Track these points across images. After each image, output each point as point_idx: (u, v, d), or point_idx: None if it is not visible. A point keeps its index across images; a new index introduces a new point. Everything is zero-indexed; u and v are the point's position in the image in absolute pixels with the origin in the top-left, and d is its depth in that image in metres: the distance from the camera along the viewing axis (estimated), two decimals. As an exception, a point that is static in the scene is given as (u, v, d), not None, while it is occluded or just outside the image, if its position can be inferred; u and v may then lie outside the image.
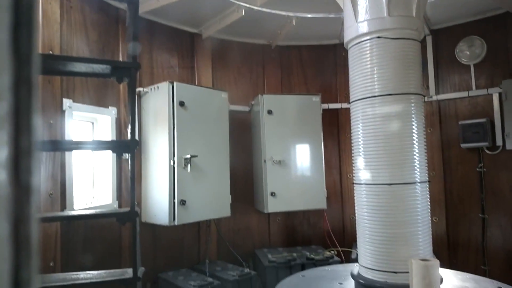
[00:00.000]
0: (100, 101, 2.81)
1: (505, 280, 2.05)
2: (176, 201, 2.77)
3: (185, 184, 2.84)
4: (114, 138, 2.86)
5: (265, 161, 3.34)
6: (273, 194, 3.30)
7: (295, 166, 3.41)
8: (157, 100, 2.95)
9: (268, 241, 3.72)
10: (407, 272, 1.71)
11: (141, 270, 2.16)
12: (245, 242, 3.64)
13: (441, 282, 1.70)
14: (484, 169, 3.40)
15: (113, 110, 2.89)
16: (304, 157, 3.45)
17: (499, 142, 3.25)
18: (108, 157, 2.89)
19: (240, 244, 3.60)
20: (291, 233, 3.78)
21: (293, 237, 3.77)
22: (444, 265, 1.73)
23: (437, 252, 1.90)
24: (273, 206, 3.31)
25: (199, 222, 3.34)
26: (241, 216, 3.64)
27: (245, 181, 3.71)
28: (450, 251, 3.58)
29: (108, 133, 2.88)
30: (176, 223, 2.75)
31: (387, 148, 1.84)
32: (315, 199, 3.41)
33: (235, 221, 3.60)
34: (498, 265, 3.29)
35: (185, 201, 2.79)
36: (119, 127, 2.96)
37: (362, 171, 1.93)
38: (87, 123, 2.92)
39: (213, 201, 3.02)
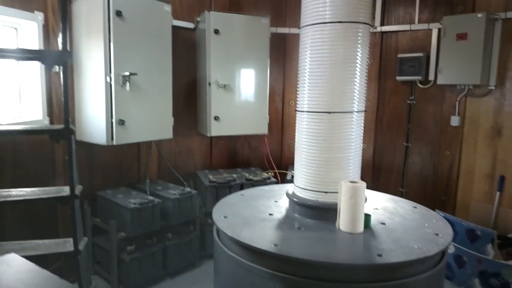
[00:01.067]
0: (24, 4, 2.46)
1: (418, 201, 2.34)
2: (114, 120, 2.65)
3: (124, 103, 2.71)
4: (42, 48, 2.58)
5: (210, 84, 3.27)
6: (216, 118, 3.30)
7: (240, 91, 3.38)
8: (90, 7, 2.65)
9: (210, 163, 3.80)
10: (337, 192, 1.87)
11: (78, 188, 2.12)
12: (186, 163, 3.69)
13: (365, 201, 1.89)
14: (414, 102, 3.65)
15: (39, 16, 2.56)
16: (249, 82, 3.42)
17: (431, 76, 3.46)
18: (35, 69, 2.63)
19: (181, 166, 3.65)
20: (232, 156, 3.89)
21: (234, 160, 3.89)
22: (368, 187, 1.91)
23: (362, 175, 2.09)
24: (216, 130, 3.32)
25: (139, 143, 3.28)
26: (183, 139, 3.64)
27: (188, 104, 3.64)
28: (374, 175, 3.96)
29: (34, 42, 2.58)
30: (114, 143, 2.68)
31: (331, 76, 1.88)
32: (257, 124, 3.48)
33: (177, 143, 3.59)
34: (414, 188, 3.73)
35: (124, 121, 2.69)
36: (47, 36, 2.65)
37: (305, 99, 1.97)
38: (9, 29, 2.57)
39: (154, 122, 2.95)
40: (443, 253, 1.77)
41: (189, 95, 3.64)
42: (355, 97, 1.93)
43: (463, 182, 3.38)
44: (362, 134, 2.02)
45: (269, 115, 3.57)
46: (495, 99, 3.13)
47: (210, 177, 3.31)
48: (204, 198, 3.25)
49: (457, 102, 3.34)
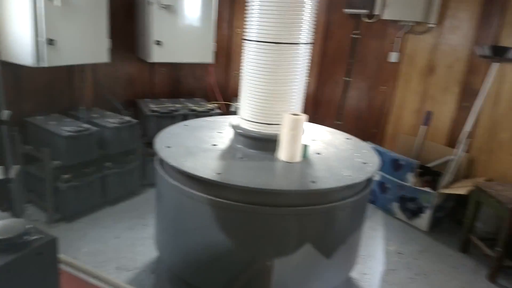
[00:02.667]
0: None
1: (352, 133, 2.50)
2: (43, 39, 2.40)
3: (54, 20, 2.43)
4: None
5: (150, 3, 3.01)
6: (158, 42, 3.11)
7: (184, 13, 3.17)
8: None
9: (151, 91, 3.66)
10: (279, 124, 1.93)
11: (5, 112, 1.96)
12: (125, 91, 3.52)
13: (304, 132, 1.97)
14: (358, 36, 3.70)
15: None
16: (195, 4, 3.20)
17: (377, 11, 3.48)
18: None
19: (120, 93, 3.47)
20: (176, 85, 3.76)
21: (177, 89, 3.77)
22: (308, 119, 1.98)
23: (304, 108, 2.15)
24: (158, 55, 3.15)
25: (72, 66, 3.03)
26: (122, 64, 3.42)
27: (128, 25, 3.36)
28: (314, 108, 4.10)
29: None
30: (45, 65, 2.45)
31: (282, 6, 1.82)
32: (202, 52, 3.35)
33: (115, 68, 3.38)
34: (349, 121, 3.94)
35: (54, 41, 2.44)
36: None
37: (254, 27, 1.91)
38: None
39: (88, 44, 2.71)
40: (369, 180, 1.95)
41: (129, 15, 3.35)
42: (303, 29, 1.91)
43: (394, 116, 3.63)
44: (306, 67, 2.04)
45: (215, 43, 3.44)
46: (433, 37, 3.27)
47: (152, 106, 3.22)
48: (145, 128, 3.18)
49: (397, 39, 3.44)
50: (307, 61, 2.03)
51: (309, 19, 1.92)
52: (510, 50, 2.66)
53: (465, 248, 2.68)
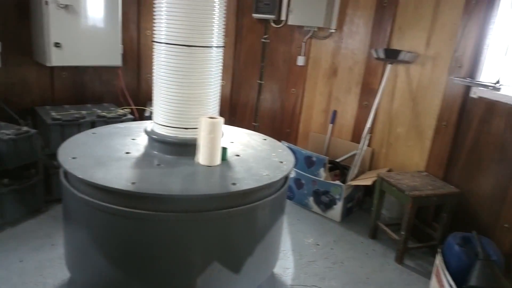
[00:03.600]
0: None
1: (268, 133, 2.57)
2: None
3: None
4: None
5: (47, 2, 2.74)
6: (57, 45, 2.84)
7: (86, 14, 2.95)
8: None
9: (52, 97, 3.32)
10: (196, 128, 1.90)
11: None
12: (21, 98, 3.15)
13: (222, 135, 1.98)
14: (268, 41, 3.84)
15: None
16: (97, 4, 2.99)
17: (283, 16, 3.65)
18: None
19: (15, 101, 3.10)
20: (80, 90, 3.47)
21: (82, 95, 3.48)
22: (225, 122, 1.99)
23: (221, 111, 2.16)
24: (57, 59, 2.88)
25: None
26: (16, 68, 3.06)
27: (20, 27, 3.02)
28: (231, 111, 4.15)
29: None
30: None
31: (191, 8, 1.79)
32: (109, 54, 3.15)
33: (8, 74, 3.01)
34: (264, 122, 4.06)
35: None
36: None
37: (163, 30, 1.85)
38: None
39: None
40: (286, 178, 2.03)
41: (23, 16, 3.01)
42: (214, 32, 1.91)
43: (304, 116, 3.84)
44: (220, 70, 2.05)
45: (123, 45, 3.26)
46: (334, 42, 3.53)
47: (53, 113, 2.93)
48: (47, 138, 2.88)
49: (303, 43, 3.64)
50: (220, 64, 2.04)
51: (219, 22, 1.92)
52: (401, 52, 2.99)
53: (374, 234, 2.94)
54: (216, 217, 1.69)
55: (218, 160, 1.92)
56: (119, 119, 3.04)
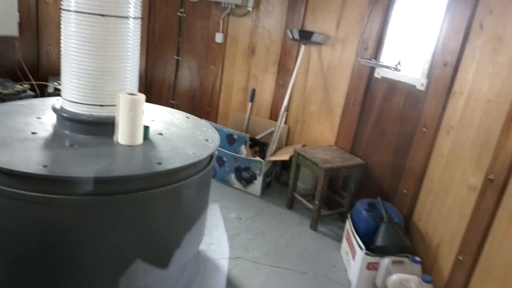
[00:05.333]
0: None
1: (187, 112, 2.52)
2: None
3: None
4: None
5: None
6: None
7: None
8: None
9: None
10: (114, 106, 1.78)
11: None
12: None
13: (144, 113, 1.88)
14: (184, 15, 3.70)
15: None
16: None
17: (201, -9, 3.54)
18: None
19: None
20: (-37, 62, 2.97)
21: (-34, 67, 2.99)
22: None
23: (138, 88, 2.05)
24: None
25: None
26: None
27: None
28: (147, 87, 3.95)
29: None
30: None
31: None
32: (3, 23, 2.73)
33: None
34: (183, 100, 3.96)
35: None
36: None
37: (72, -5, 1.66)
38: None
39: None
40: (211, 156, 2.03)
41: None
42: (130, 1, 1.78)
43: (224, 94, 3.84)
44: (139, 43, 1.93)
45: (19, 13, 2.85)
46: (251, 20, 3.55)
47: None
48: None
49: (221, 20, 3.60)
50: (138, 37, 1.92)
51: (136, -10, 1.79)
52: (314, 34, 3.14)
53: (291, 205, 3.12)
54: (140, 199, 1.63)
55: (139, 139, 1.83)
56: (17, 96, 2.69)
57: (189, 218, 1.90)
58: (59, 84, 1.90)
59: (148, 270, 1.77)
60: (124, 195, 1.58)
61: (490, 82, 1.88)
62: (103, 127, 1.83)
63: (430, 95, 2.38)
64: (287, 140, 3.56)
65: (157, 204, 1.72)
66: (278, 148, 3.46)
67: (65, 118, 1.83)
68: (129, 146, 1.79)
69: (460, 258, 1.85)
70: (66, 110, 1.84)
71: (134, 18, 1.83)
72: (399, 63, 2.64)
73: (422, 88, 2.45)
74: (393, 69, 2.68)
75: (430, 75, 2.39)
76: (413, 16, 2.64)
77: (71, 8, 1.68)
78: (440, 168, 2.23)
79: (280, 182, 3.54)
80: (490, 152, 1.77)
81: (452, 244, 1.98)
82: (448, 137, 2.19)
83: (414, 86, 2.51)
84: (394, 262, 2.13)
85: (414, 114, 2.52)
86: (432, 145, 2.34)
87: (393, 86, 2.70)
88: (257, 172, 3.18)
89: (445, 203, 2.12)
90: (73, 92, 1.81)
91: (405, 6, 2.69)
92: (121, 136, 1.78)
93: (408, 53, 2.63)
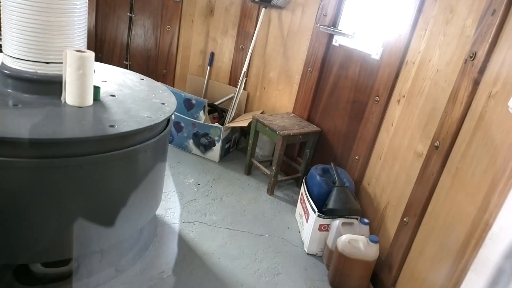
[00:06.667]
0: None
1: (142, 74, 2.42)
2: None
3: None
4: None
5: None
6: None
7: None
8: None
9: None
10: (61, 63, 1.66)
11: None
12: None
13: (94, 73, 1.77)
14: (138, -31, 3.46)
15: None
16: None
17: None
18: None
19: None
20: None
21: None
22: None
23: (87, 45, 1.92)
24: None
25: None
26: None
27: None
28: (97, 46, 3.71)
29: None
30: None
31: None
32: None
33: None
34: (137, 60, 3.77)
35: None
36: None
37: None
38: None
39: None
40: (168, 120, 1.97)
41: None
42: None
43: (181, 57, 3.70)
44: (87, -4, 1.78)
45: None
46: (210, -21, 3.39)
47: None
48: None
49: (178, -23, 3.41)
50: (87, -12, 1.77)
51: None
52: (274, -3, 3.07)
53: (249, 171, 3.16)
54: (92, 163, 1.57)
55: (89, 101, 1.73)
56: None
57: (145, 183, 1.87)
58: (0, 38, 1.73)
59: (102, 234, 1.74)
60: (74, 158, 1.51)
61: (440, 52, 1.96)
62: (49, 86, 1.71)
63: (384, 64, 2.44)
64: (246, 107, 3.54)
65: (110, 168, 1.66)
66: (237, 115, 3.44)
67: (7, 76, 1.68)
68: (78, 107, 1.69)
69: (405, 220, 1.98)
70: (8, 66, 1.69)
71: (81, -33, 1.68)
72: (356, 31, 2.67)
73: (377, 57, 2.50)
74: (350, 37, 2.71)
75: (384, 44, 2.44)
76: (372, -16, 2.65)
77: (8, -49, 1.51)
78: (390, 135, 2.34)
79: (239, 148, 3.56)
80: (436, 120, 1.88)
81: (398, 207, 2.12)
82: (399, 106, 2.28)
83: (370, 55, 2.57)
84: (344, 224, 2.25)
85: (368, 83, 2.59)
86: (383, 113, 2.44)
87: (349, 54, 2.74)
88: (216, 138, 3.16)
89: (393, 169, 2.24)
90: (15, 48, 1.66)
91: (365, -27, 2.69)
92: (69, 96, 1.68)
93: (365, 21, 2.66)
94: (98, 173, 1.62)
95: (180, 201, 2.61)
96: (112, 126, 1.60)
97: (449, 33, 1.91)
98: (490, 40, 1.58)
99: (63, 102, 1.69)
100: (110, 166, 1.66)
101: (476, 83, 1.64)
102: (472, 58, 1.67)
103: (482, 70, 1.62)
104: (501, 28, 1.56)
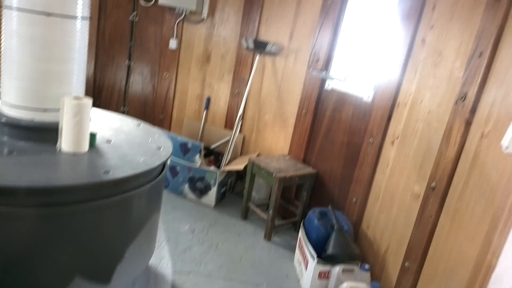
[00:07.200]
0: None
1: (139, 119, 2.45)
2: None
3: None
4: None
5: None
6: None
7: None
8: None
9: None
10: (58, 110, 1.67)
11: None
12: None
13: (91, 120, 1.79)
14: (136, 19, 3.61)
15: None
16: None
17: (153, -4, 3.48)
18: None
19: None
20: None
21: None
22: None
23: (85, 92, 1.95)
24: None
25: None
26: None
27: None
28: (95, 93, 3.78)
29: None
30: None
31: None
32: None
33: None
34: (135, 107, 3.83)
35: None
36: None
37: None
38: None
39: None
40: (164, 164, 1.96)
41: None
42: (79, 0, 1.69)
43: (178, 101, 3.77)
44: (86, 45, 1.84)
45: None
46: (206, 28, 3.53)
47: None
48: None
49: (175, 26, 3.55)
50: (86, 38, 1.83)
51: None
52: (268, 44, 3.18)
53: (246, 215, 3.10)
54: (86, 210, 1.53)
55: (85, 147, 1.73)
56: None
57: (139, 231, 1.82)
58: (-3, 86, 1.76)
59: (93, 286, 1.67)
60: (67, 207, 1.48)
61: (431, 93, 2.01)
62: (45, 134, 1.71)
63: (376, 106, 2.49)
64: (242, 149, 3.55)
65: (103, 215, 1.62)
66: (233, 158, 3.44)
67: (3, 124, 1.69)
68: (73, 154, 1.68)
69: (406, 264, 1.93)
70: (5, 114, 1.70)
71: (82, 18, 1.74)
72: (347, 76, 2.74)
73: (369, 100, 2.56)
74: (342, 81, 2.78)
75: (376, 87, 2.51)
76: (361, 31, 2.77)
77: (13, 5, 1.57)
78: (386, 176, 2.33)
79: (235, 192, 3.52)
80: (431, 160, 1.88)
81: (398, 251, 2.07)
82: (393, 147, 2.30)
83: (361, 98, 2.62)
84: (344, 271, 2.18)
85: (361, 125, 2.62)
86: (378, 155, 2.45)
87: (342, 97, 2.80)
88: (212, 182, 3.14)
89: (391, 211, 2.22)
90: (13, 95, 1.68)
91: (354, 21, 2.82)
92: (65, 143, 1.68)
93: (356, 65, 2.75)
94: (91, 221, 1.58)
95: (174, 249, 2.53)
96: (106, 172, 1.58)
97: (438, 75, 1.97)
98: (479, 81, 1.63)
99: (58, 149, 1.69)
100: (104, 213, 1.62)
101: (468, 123, 1.67)
102: (462, 99, 1.71)
103: (473, 111, 1.65)
104: (489, 69, 1.61)
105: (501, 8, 1.57)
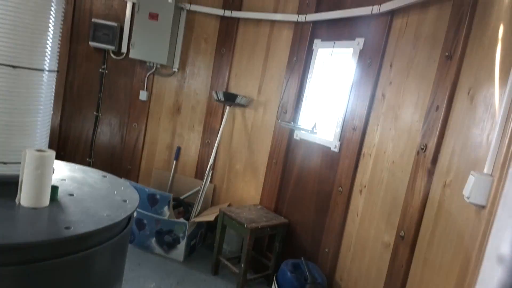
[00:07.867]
0: None
1: (106, 170, 2.37)
2: None
3: None
4: None
5: None
6: None
7: None
8: None
9: None
10: (19, 163, 1.60)
11: None
12: None
13: (54, 172, 1.72)
14: (106, 71, 3.63)
15: None
16: None
17: (124, 49, 3.54)
18: None
19: None
20: None
21: None
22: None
23: (49, 144, 1.90)
24: None
25: None
26: None
27: None
28: (60, 144, 3.68)
29: None
30: None
31: (19, 23, 1.55)
32: None
33: None
34: (101, 157, 3.74)
35: None
36: None
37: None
38: None
39: None
40: (129, 218, 1.88)
41: None
42: (47, 53, 1.69)
43: (147, 152, 3.71)
44: (53, 97, 1.81)
45: None
46: (177, 80, 3.60)
47: None
48: None
49: (146, 78, 3.59)
50: (52, 90, 1.81)
51: (53, 42, 1.72)
52: (237, 96, 3.27)
53: (216, 270, 2.98)
54: (44, 269, 1.42)
55: (46, 201, 1.64)
56: None
57: (101, 289, 1.70)
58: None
59: None
60: (24, 266, 1.36)
61: (393, 144, 2.09)
62: (4, 188, 1.62)
63: (343, 156, 2.56)
64: (213, 200, 3.49)
65: (63, 274, 1.51)
66: (204, 208, 3.37)
67: (-46, 178, 1.59)
68: (33, 208, 1.59)
69: (381, 316, 1.89)
70: (-42, 168, 1.61)
71: (49, 71, 1.73)
72: (314, 127, 2.83)
73: (336, 150, 2.63)
74: (309, 131, 2.86)
75: (342, 138, 2.59)
76: (325, 85, 2.91)
77: (-23, 57, 1.54)
78: (357, 225, 2.34)
79: (206, 244, 3.40)
80: (399, 209, 1.92)
81: (372, 302, 2.03)
82: (362, 195, 2.34)
83: (329, 148, 2.69)
84: (319, 325, 2.10)
85: (330, 174, 2.67)
86: (348, 203, 2.47)
87: (310, 147, 2.86)
88: (181, 235, 3.03)
89: (364, 261, 2.20)
90: (-32, 148, 1.60)
91: (318, 76, 2.96)
92: (24, 197, 1.59)
93: (323, 117, 2.85)
94: (51, 281, 1.46)
95: (139, 309, 2.37)
96: (67, 227, 1.50)
97: (399, 127, 2.07)
98: (437, 133, 1.72)
99: (17, 203, 1.60)
100: (65, 272, 1.51)
101: (431, 173, 1.73)
102: (423, 150, 1.79)
103: (434, 161, 1.73)
104: (446, 122, 1.71)
105: (453, 65, 1.71)
